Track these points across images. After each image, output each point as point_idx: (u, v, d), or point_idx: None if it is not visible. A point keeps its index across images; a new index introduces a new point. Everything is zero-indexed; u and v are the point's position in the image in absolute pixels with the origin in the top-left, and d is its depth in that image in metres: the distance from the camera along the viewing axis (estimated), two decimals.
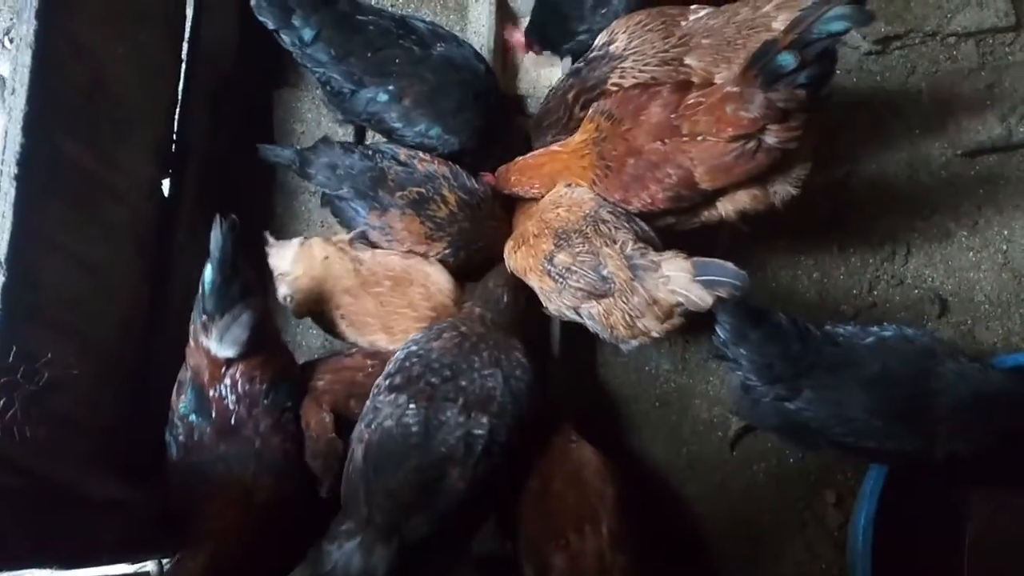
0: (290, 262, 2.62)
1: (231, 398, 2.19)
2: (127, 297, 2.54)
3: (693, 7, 2.66)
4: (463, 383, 2.21)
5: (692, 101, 2.31)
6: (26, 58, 2.06)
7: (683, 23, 2.62)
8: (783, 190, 2.36)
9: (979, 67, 3.23)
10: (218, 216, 2.13)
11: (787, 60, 2.06)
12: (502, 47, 3.24)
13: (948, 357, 2.23)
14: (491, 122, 2.75)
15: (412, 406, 2.15)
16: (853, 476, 2.88)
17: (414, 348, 2.31)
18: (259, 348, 2.21)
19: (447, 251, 2.64)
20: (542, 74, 3.29)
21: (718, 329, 2.19)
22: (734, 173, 2.28)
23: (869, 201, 3.17)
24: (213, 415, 2.20)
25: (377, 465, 2.11)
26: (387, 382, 2.25)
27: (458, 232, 2.64)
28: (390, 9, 3.19)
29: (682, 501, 2.93)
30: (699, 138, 2.26)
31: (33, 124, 2.07)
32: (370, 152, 2.65)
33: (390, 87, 2.60)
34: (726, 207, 2.41)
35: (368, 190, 2.59)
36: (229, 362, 2.19)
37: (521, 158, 2.74)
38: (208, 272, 2.12)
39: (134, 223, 2.61)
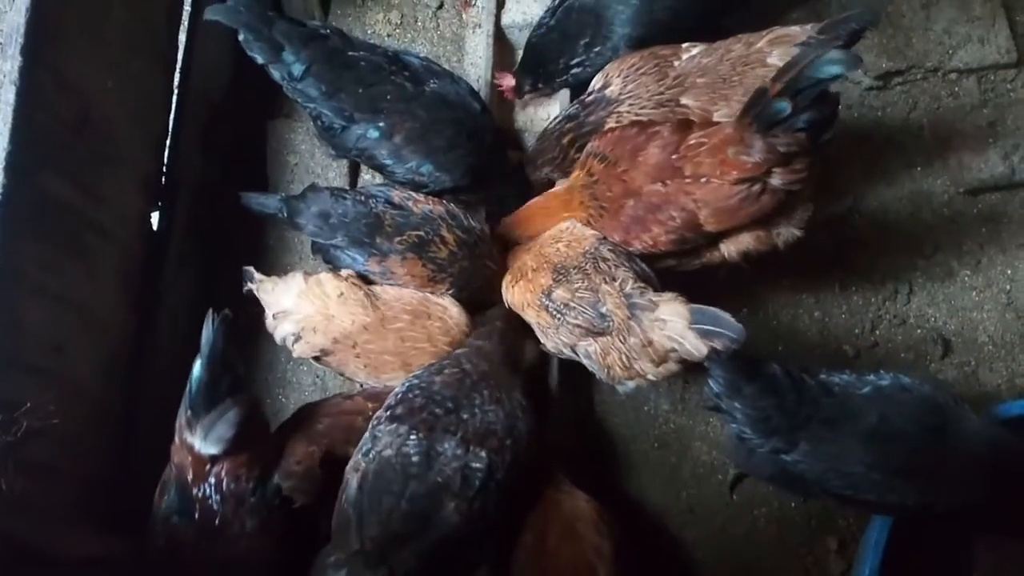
0: (294, 298, 2.52)
1: (216, 498, 2.08)
2: (112, 337, 2.47)
3: (685, 45, 2.63)
4: (464, 416, 2.18)
5: (694, 142, 2.26)
6: (10, 96, 2.01)
7: (676, 63, 2.60)
8: (787, 232, 2.31)
9: (981, 104, 3.20)
10: (211, 312, 2.05)
11: (781, 107, 2.03)
12: (497, 85, 3.19)
13: (948, 407, 2.18)
14: (485, 160, 2.69)
15: (413, 436, 2.11)
16: (855, 522, 2.81)
17: (416, 382, 2.28)
18: (246, 444, 2.09)
19: (450, 292, 2.59)
20: (539, 109, 3.24)
21: (711, 382, 2.13)
22: (739, 215, 2.23)
23: (871, 238, 3.12)
24: (196, 515, 2.08)
25: (373, 494, 2.05)
26: (387, 413, 2.20)
27: (459, 272, 2.58)
28: (384, 44, 3.14)
29: (681, 546, 2.85)
30: (703, 180, 2.22)
31: (16, 163, 2.01)
32: (362, 197, 2.58)
33: (380, 123, 2.55)
34: (729, 249, 2.37)
35: (364, 237, 2.52)
36: (214, 459, 2.08)
37: (517, 212, 2.73)
38: (196, 369, 2.03)
39: (121, 259, 2.54)
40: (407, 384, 2.29)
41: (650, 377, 2.25)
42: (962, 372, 2.99)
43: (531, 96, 3.15)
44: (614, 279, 2.27)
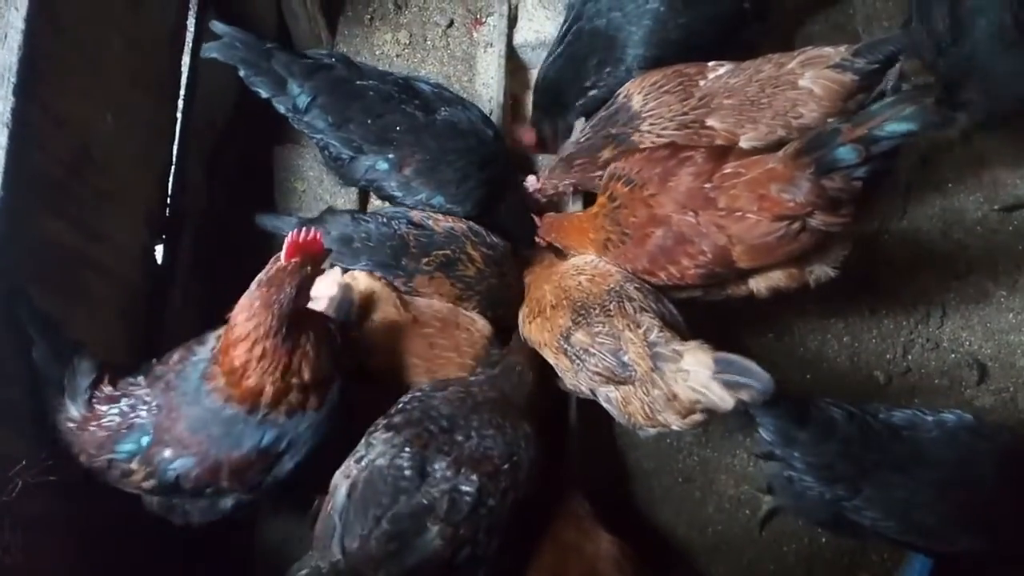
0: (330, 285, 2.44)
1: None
2: None
3: (712, 64, 2.52)
4: (459, 438, 2.07)
5: (730, 171, 2.13)
6: (2, 139, 1.91)
7: (702, 83, 2.48)
8: (821, 271, 2.20)
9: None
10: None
11: (849, 155, 1.92)
12: (510, 101, 3.10)
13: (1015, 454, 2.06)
14: (497, 188, 2.62)
15: (408, 449, 2.02)
16: (890, 558, 2.69)
17: (418, 394, 2.21)
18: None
19: (476, 310, 2.53)
20: None
21: (762, 431, 2.02)
22: (775, 254, 2.12)
23: (901, 260, 3.00)
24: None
25: (360, 504, 1.96)
26: (385, 421, 2.12)
27: (487, 289, 2.53)
28: (394, 70, 3.04)
29: None
30: (738, 214, 2.09)
31: (10, 208, 1.91)
32: (384, 219, 2.49)
33: (390, 155, 2.47)
34: (758, 285, 2.25)
35: (390, 260, 2.44)
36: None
37: (556, 217, 2.68)
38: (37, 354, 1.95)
39: (123, 297, 2.46)
40: (411, 394, 2.21)
41: (674, 428, 2.11)
42: (999, 399, 2.87)
43: (552, 140, 3.05)
44: (638, 325, 2.11)
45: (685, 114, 2.44)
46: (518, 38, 3.17)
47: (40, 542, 1.98)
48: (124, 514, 2.29)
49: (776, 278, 2.22)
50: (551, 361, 2.37)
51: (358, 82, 2.47)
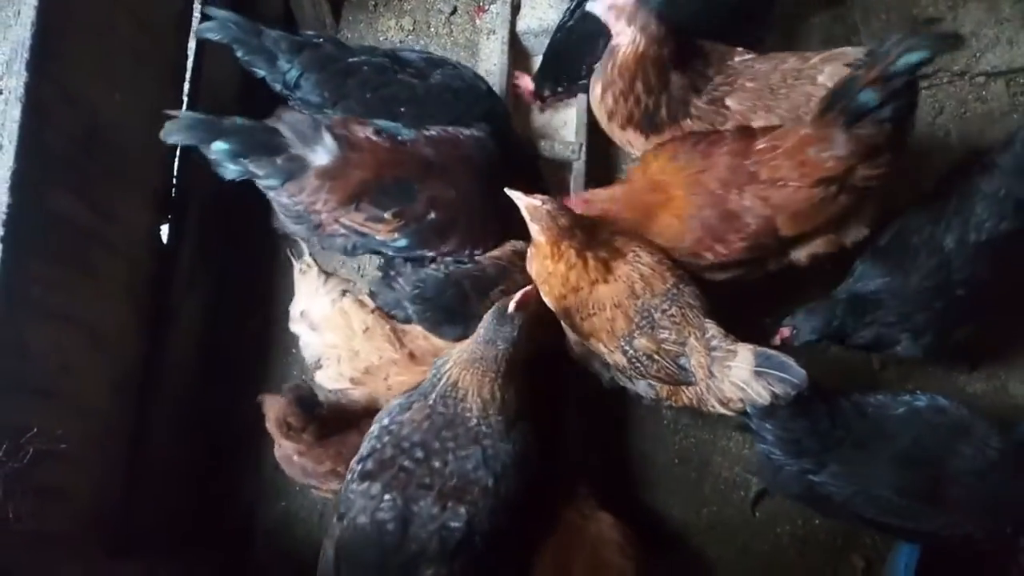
0: (320, 316, 2.48)
1: None
2: (121, 355, 2.42)
3: (739, 49, 2.55)
4: (436, 464, 1.99)
5: (765, 146, 2.18)
6: (15, 112, 1.96)
7: (729, 61, 2.51)
8: (857, 231, 2.26)
9: (1010, 108, 3.11)
10: None
11: (870, 97, 1.99)
12: (513, 88, 3.13)
13: (981, 435, 2.11)
14: (500, 140, 2.56)
15: (387, 497, 1.96)
16: (882, 540, 2.73)
17: (386, 423, 2.10)
18: None
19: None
20: (555, 116, 3.17)
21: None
22: (817, 218, 2.18)
23: None
24: None
25: (348, 569, 1.97)
26: (359, 467, 2.05)
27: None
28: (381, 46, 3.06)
29: (703, 565, 2.78)
30: (779, 184, 2.15)
31: (22, 182, 1.95)
32: (441, 270, 2.37)
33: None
34: (799, 254, 2.30)
35: (457, 308, 2.32)
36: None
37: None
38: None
39: (130, 275, 2.49)
40: (379, 426, 2.11)
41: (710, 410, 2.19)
42: (991, 385, 2.91)
43: (551, 100, 3.08)
44: (702, 332, 2.12)
45: (716, 89, 2.46)
46: (521, 25, 3.19)
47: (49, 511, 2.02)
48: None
49: (816, 245, 2.27)
50: (598, 350, 2.28)
51: (350, 59, 2.51)
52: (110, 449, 2.33)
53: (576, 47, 2.83)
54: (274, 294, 3.11)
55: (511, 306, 2.03)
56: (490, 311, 2.07)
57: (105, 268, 2.35)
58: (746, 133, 2.26)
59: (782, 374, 1.93)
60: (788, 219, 2.18)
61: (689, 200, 2.26)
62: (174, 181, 2.81)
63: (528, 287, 2.15)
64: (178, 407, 2.60)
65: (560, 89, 3.00)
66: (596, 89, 2.50)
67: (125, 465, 2.39)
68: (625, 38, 2.33)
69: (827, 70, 2.37)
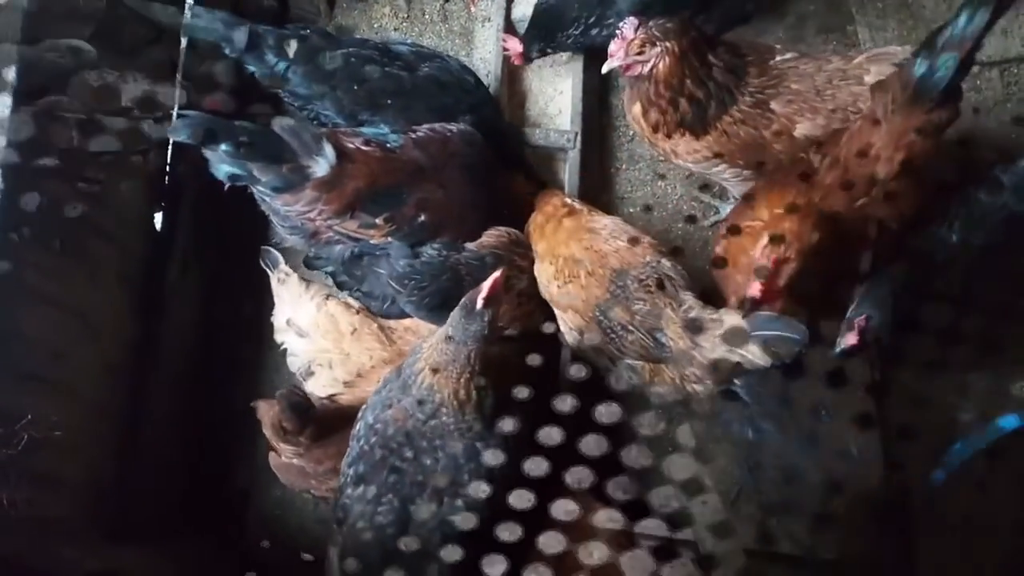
0: (306, 323, 2.48)
1: None
2: (115, 342, 2.43)
3: (779, 47, 2.50)
4: (427, 462, 1.96)
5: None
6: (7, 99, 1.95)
7: (771, 61, 2.45)
8: None
9: (1004, 98, 3.11)
10: None
11: (951, 62, 2.00)
12: (508, 74, 3.12)
13: None
14: (488, 130, 2.59)
15: (384, 500, 1.95)
16: None
17: (371, 420, 2.05)
18: None
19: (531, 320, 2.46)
20: (550, 104, 3.17)
21: None
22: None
23: None
24: None
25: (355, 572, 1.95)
26: (352, 471, 2.03)
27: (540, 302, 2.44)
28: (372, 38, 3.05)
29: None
30: None
31: (16, 166, 1.95)
32: (440, 253, 2.39)
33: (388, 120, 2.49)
34: None
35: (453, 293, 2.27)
36: None
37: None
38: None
39: (123, 262, 2.50)
40: (363, 423, 2.07)
41: (701, 393, 2.16)
42: None
43: (531, 60, 3.01)
44: (680, 304, 2.11)
45: (761, 92, 2.39)
46: (516, 12, 3.18)
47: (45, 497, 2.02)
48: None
49: None
50: (573, 323, 2.28)
51: (339, 52, 2.51)
52: (104, 435, 2.33)
53: (563, 5, 2.80)
54: (268, 280, 3.10)
55: (479, 302, 1.89)
56: (457, 307, 1.94)
57: (98, 255, 2.36)
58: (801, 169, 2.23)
59: (783, 333, 1.86)
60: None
61: None
62: (167, 169, 2.81)
63: (496, 274, 1.96)
64: (172, 393, 2.60)
65: (549, 50, 2.97)
66: (635, 108, 2.45)
67: (119, 451, 2.39)
68: (656, 56, 2.30)
69: (873, 69, 2.34)
